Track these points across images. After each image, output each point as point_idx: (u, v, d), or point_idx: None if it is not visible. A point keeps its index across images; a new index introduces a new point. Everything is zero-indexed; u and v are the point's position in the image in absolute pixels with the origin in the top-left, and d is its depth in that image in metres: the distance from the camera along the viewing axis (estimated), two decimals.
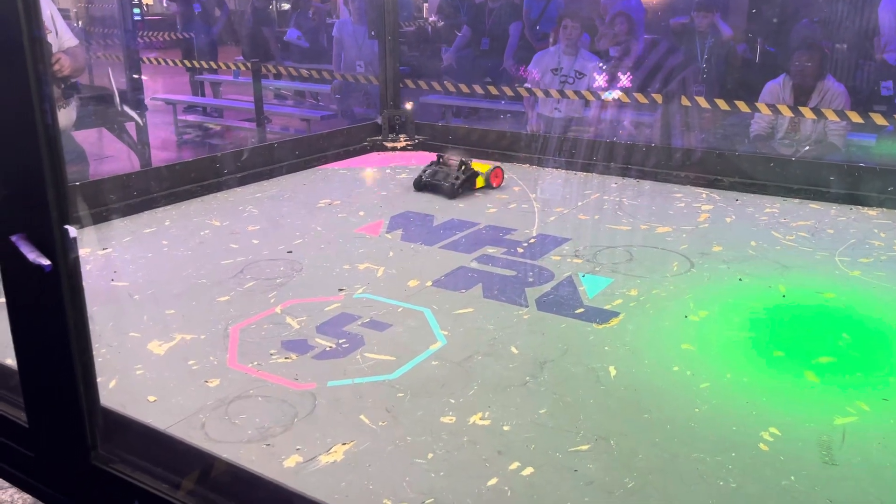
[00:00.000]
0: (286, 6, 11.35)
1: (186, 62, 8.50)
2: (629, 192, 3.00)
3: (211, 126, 8.83)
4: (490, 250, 2.35)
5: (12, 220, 1.06)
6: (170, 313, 1.91)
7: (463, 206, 2.85)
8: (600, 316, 1.86)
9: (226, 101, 9.51)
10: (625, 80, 5.78)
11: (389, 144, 3.84)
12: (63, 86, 3.06)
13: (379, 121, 3.86)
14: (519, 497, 1.21)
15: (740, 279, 2.10)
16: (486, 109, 7.51)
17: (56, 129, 1.03)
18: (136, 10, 9.00)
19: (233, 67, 8.59)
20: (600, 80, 5.87)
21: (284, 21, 10.44)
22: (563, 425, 1.41)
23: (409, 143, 3.85)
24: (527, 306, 1.93)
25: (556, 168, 3.41)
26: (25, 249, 1.05)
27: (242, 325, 1.83)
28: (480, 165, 3.06)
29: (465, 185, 2.94)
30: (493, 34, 7.82)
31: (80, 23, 8.63)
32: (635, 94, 5.00)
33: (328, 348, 1.72)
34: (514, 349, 1.70)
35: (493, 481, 1.25)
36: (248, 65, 8.01)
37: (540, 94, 5.33)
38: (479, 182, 3.01)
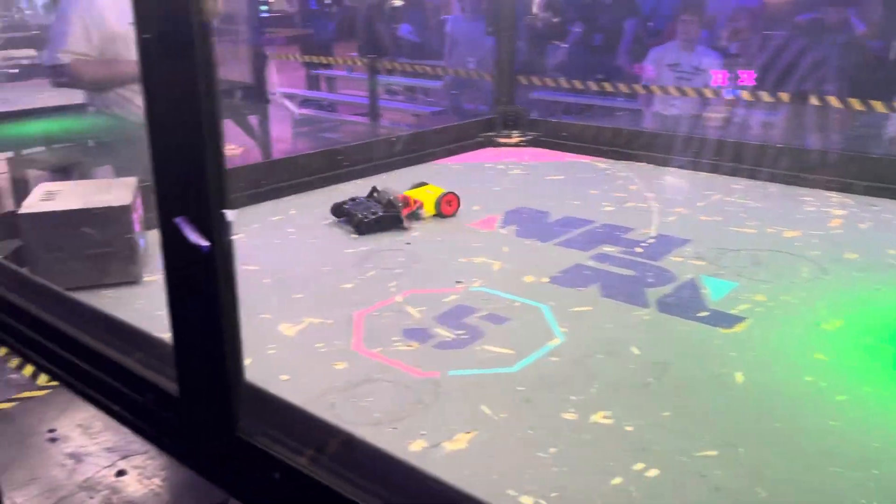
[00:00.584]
0: (399, 2, 11.58)
1: (305, 57, 8.81)
2: (753, 194, 2.89)
3: (326, 120, 9.13)
4: (607, 249, 2.33)
5: (176, 203, 1.14)
6: (297, 297, 1.99)
7: (578, 203, 2.83)
8: (725, 321, 1.81)
9: (342, 96, 9.78)
10: (746, 77, 5.55)
11: (502, 140, 3.85)
12: None
13: (493, 116, 3.88)
14: (644, 498, 1.20)
15: (878, 289, 1.99)
16: (597, 106, 7.40)
17: (218, 116, 1.10)
18: (263, 7, 9.43)
19: (348, 62, 8.84)
20: (719, 76, 5.67)
21: (398, 17, 10.64)
22: (688, 429, 1.38)
23: (522, 139, 3.85)
24: (647, 307, 1.90)
25: (674, 167, 3.32)
26: (187, 231, 1.13)
27: (366, 312, 1.90)
28: (432, 190, 2.70)
29: (380, 224, 2.48)
30: (606, 30, 7.70)
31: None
32: (759, 93, 4.79)
33: (448, 338, 1.75)
34: (634, 349, 1.68)
35: (617, 480, 1.24)
36: (363, 60, 8.23)
37: (657, 91, 5.19)
38: (429, 210, 2.63)
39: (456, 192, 2.69)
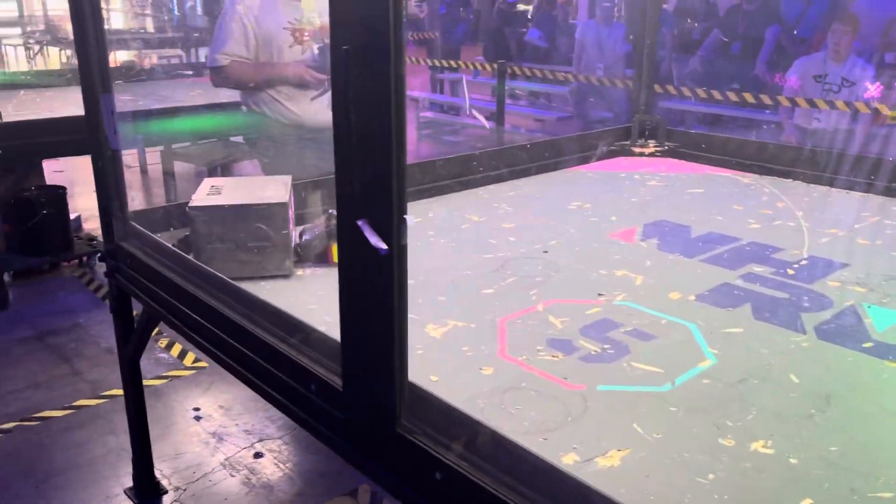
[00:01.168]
0: (525, 7, 11.57)
1: (431, 61, 8.96)
2: None
3: (449, 123, 9.25)
4: (756, 269, 2.23)
5: (359, 206, 1.19)
6: (441, 300, 2.03)
7: (721, 218, 2.73)
8: (893, 353, 1.70)
9: (470, 100, 9.86)
10: None
11: (637, 150, 3.77)
12: None
13: (629, 125, 3.81)
14: None
15: None
16: (729, 118, 7.12)
17: (404, 124, 1.14)
18: None
19: (473, 67, 8.92)
20: (873, 89, 5.32)
21: (524, 21, 10.63)
22: (857, 467, 1.31)
23: (658, 149, 3.76)
24: (804, 333, 1.81)
25: (825, 185, 3.15)
26: (368, 233, 1.17)
27: (508, 319, 1.91)
28: None
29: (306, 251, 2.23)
30: (745, 38, 7.39)
31: None
32: None
33: (594, 352, 1.73)
34: (793, 377, 1.61)
35: None
36: (487, 65, 8.28)
37: (804, 103, 4.94)
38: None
39: None
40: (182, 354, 3.61)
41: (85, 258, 4.80)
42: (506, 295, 2.07)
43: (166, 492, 2.62)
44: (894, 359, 1.67)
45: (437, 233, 2.59)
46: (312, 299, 2.01)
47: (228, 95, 5.16)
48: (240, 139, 5.73)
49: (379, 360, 1.27)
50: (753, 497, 1.23)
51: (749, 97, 5.53)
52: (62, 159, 6.96)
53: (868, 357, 1.69)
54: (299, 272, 2.20)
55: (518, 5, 11.48)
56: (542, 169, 3.42)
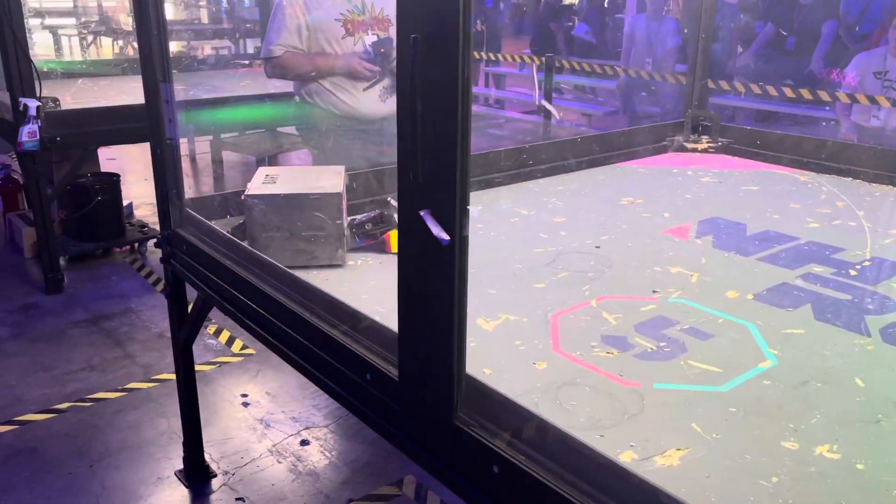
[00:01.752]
0: (572, 1, 11.45)
1: (478, 54, 8.93)
2: None
3: (493, 116, 9.22)
4: (816, 269, 2.17)
5: (421, 196, 1.18)
6: (492, 293, 2.02)
7: (778, 217, 2.67)
8: None
9: (510, 93, 9.83)
10: None
11: (690, 146, 3.71)
12: (394, 77, 3.38)
13: (682, 120, 3.74)
14: None
15: None
16: (783, 115, 6.95)
17: (470, 115, 1.13)
18: None
19: (519, 60, 8.87)
20: None
21: (571, 15, 10.53)
22: None
23: (711, 145, 3.69)
24: (869, 336, 1.75)
25: (886, 184, 3.05)
26: (430, 223, 1.17)
27: (561, 314, 1.89)
28: None
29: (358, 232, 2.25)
30: (800, 33, 7.19)
31: None
32: None
33: (649, 349, 1.71)
34: (858, 381, 1.56)
35: None
36: (534, 58, 8.22)
37: (864, 100, 4.79)
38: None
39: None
40: (230, 341, 3.67)
41: (136, 244, 4.91)
42: (558, 289, 2.05)
43: (215, 475, 2.66)
44: None
45: (486, 226, 2.58)
46: (364, 289, 2.02)
47: (277, 86, 5.23)
48: (288, 130, 5.81)
49: (437, 351, 1.26)
50: (818, 502, 1.20)
51: (806, 93, 5.38)
52: (115, 147, 7.14)
53: None
54: (350, 262, 2.21)
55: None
56: (592, 163, 3.38)
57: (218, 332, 3.74)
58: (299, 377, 3.35)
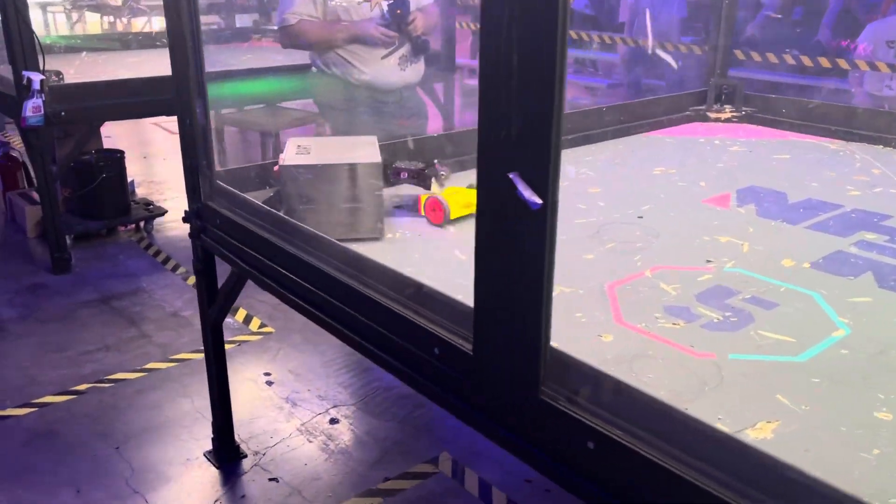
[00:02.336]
0: None
1: (476, 25, 8.78)
2: None
3: None
4: (868, 236, 2.12)
5: (513, 156, 1.11)
6: None
7: (817, 185, 2.61)
8: None
9: None
10: None
11: (713, 115, 3.64)
12: (416, 43, 3.28)
13: (704, 89, 3.67)
14: None
15: None
16: (790, 85, 6.88)
17: (565, 73, 1.05)
18: None
19: None
20: None
21: None
22: None
23: (734, 114, 3.62)
24: None
25: None
26: (521, 186, 1.10)
27: (617, 285, 1.83)
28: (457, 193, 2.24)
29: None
30: (807, 1, 7.12)
31: None
32: None
33: (715, 319, 1.65)
34: None
35: None
36: None
37: (884, 68, 4.73)
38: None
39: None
40: (247, 319, 3.59)
41: (143, 223, 4.80)
42: (608, 260, 1.98)
43: (245, 456, 2.60)
44: None
45: None
46: (407, 262, 1.94)
47: (278, 60, 5.10)
48: (290, 105, 5.68)
49: (521, 322, 1.20)
50: None
51: (825, 62, 5.31)
52: (108, 124, 6.98)
53: None
54: (389, 235, 2.14)
55: None
56: (616, 134, 3.31)
57: (234, 311, 3.66)
58: (322, 355, 3.29)
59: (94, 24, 10.43)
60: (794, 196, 2.49)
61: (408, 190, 2.38)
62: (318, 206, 2.02)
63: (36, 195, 4.55)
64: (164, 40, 5.69)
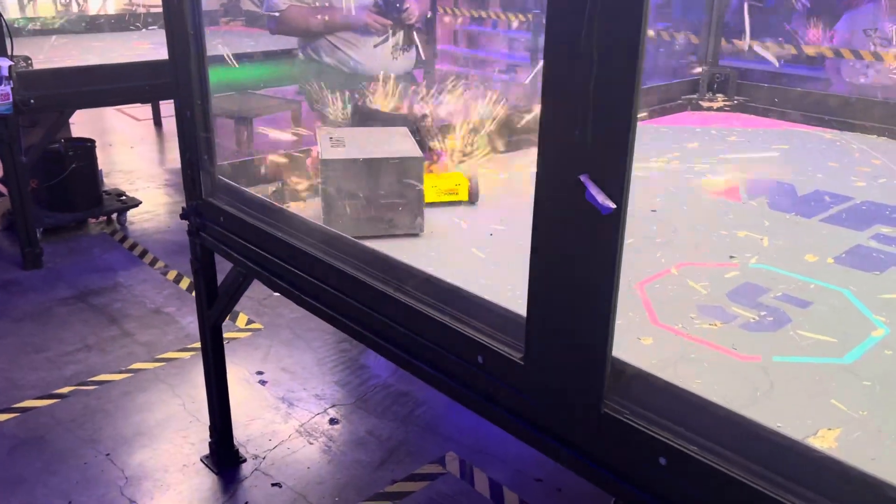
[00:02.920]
0: None
1: (453, 10, 8.67)
2: None
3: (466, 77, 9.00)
4: (884, 230, 2.11)
5: (587, 159, 1.04)
6: None
7: (822, 176, 2.60)
8: None
9: (486, 52, 9.58)
10: None
11: (705, 104, 3.62)
12: (409, 31, 3.18)
13: (697, 77, 3.64)
14: None
15: None
16: (763, 73, 6.92)
17: (642, 69, 0.98)
18: None
19: (494, 17, 8.64)
20: None
21: None
22: None
23: (727, 103, 3.60)
24: None
25: None
26: (593, 189, 1.03)
27: (645, 283, 1.78)
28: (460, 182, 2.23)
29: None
30: None
31: None
32: None
33: (752, 319, 1.61)
34: None
35: None
36: (520, 16, 8.01)
37: (847, 54, 4.76)
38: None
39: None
40: (234, 315, 3.47)
41: (116, 215, 4.62)
42: (630, 257, 1.90)
43: (245, 460, 2.51)
44: None
45: (528, 190, 2.43)
46: (424, 260, 1.87)
47: (251, 45, 4.94)
48: (264, 91, 5.52)
49: (583, 331, 1.13)
50: None
51: (810, 50, 5.33)
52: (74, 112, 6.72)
53: None
54: (428, 230, 2.05)
55: None
56: None
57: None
58: (315, 352, 3.20)
59: (45, 6, 10.02)
60: (802, 188, 2.47)
61: None
62: (357, 201, 1.92)
63: (3, 187, 4.34)
64: (138, 24, 5.47)
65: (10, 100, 3.52)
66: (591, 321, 1.12)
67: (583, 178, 1.04)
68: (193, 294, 2.73)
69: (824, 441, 1.22)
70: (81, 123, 6.75)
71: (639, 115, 2.73)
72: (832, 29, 5.69)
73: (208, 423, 2.51)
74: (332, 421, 2.72)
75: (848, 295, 1.73)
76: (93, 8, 8.89)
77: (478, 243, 1.98)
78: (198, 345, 3.04)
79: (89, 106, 4.68)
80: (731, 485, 1.01)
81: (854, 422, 1.27)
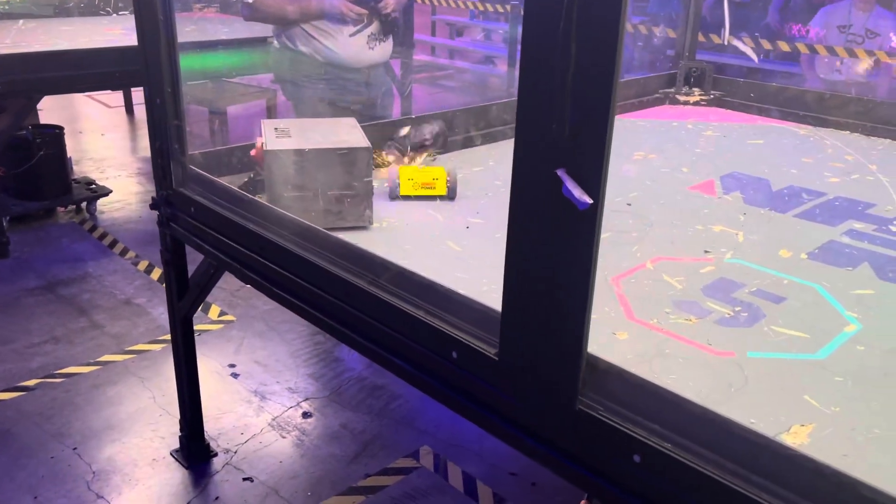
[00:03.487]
0: None
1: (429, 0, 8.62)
2: None
3: (443, 67, 8.97)
4: (857, 225, 2.12)
5: (563, 152, 1.02)
6: None
7: (796, 171, 2.61)
8: None
9: (463, 43, 9.55)
10: None
11: (682, 98, 3.62)
12: (385, 21, 3.14)
13: (674, 72, 3.65)
14: None
15: None
16: (735, 67, 6.98)
17: (620, 63, 0.97)
18: None
19: (472, 7, 8.60)
20: None
21: None
22: None
23: (703, 97, 3.62)
24: None
25: (886, 138, 3.04)
26: (570, 184, 1.01)
27: (621, 277, 1.77)
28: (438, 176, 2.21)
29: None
30: None
31: None
32: None
33: (727, 315, 1.61)
34: None
35: None
36: (497, 7, 7.98)
37: (822, 50, 4.81)
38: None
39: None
40: (206, 307, 3.42)
41: (86, 204, 4.53)
42: (606, 251, 1.91)
43: (216, 454, 2.47)
44: None
45: (505, 183, 2.42)
46: (399, 252, 1.85)
47: (226, 32, 4.86)
48: (238, 80, 5.45)
49: (559, 327, 1.12)
50: None
51: (784, 46, 5.38)
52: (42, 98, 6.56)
53: None
54: (376, 224, 2.03)
55: None
56: None
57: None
58: (289, 344, 3.16)
59: None
60: (777, 183, 2.49)
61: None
62: (303, 193, 1.89)
63: None
64: (109, 9, 5.35)
65: None
66: (566, 316, 1.11)
67: (560, 172, 1.03)
68: (164, 285, 2.69)
69: (797, 437, 1.22)
70: (50, 110, 6.60)
71: (617, 108, 2.68)
72: (807, 25, 5.75)
73: (179, 416, 2.47)
74: (306, 414, 2.70)
75: (821, 291, 1.74)
76: None
77: (454, 237, 1.97)
78: (169, 337, 3.00)
79: (58, 92, 4.58)
80: (705, 482, 1.01)
81: (826, 418, 1.27)
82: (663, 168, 2.63)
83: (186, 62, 4.90)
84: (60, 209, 4.56)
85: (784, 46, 5.51)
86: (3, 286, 3.55)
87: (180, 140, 1.95)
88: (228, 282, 3.56)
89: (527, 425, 1.22)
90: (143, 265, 3.82)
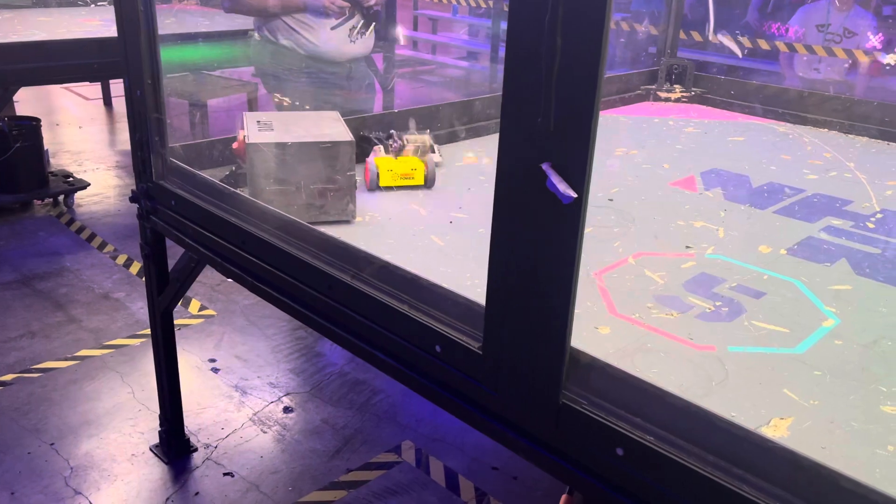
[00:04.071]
0: None
1: None
2: None
3: (424, 62, 8.94)
4: (834, 222, 2.15)
5: (548, 146, 1.02)
6: None
7: (775, 168, 2.64)
8: None
9: (444, 38, 9.54)
10: None
11: (664, 95, 3.64)
12: (367, 14, 3.12)
13: (656, 68, 3.67)
14: None
15: None
16: (719, 66, 7.03)
17: (605, 57, 0.97)
18: None
19: (454, 2, 8.59)
20: (874, 39, 5.28)
21: None
22: None
23: (684, 94, 3.64)
24: None
25: (864, 136, 3.08)
26: (554, 178, 1.01)
27: (603, 273, 1.78)
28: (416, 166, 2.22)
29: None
30: None
31: None
32: None
33: (708, 309, 1.62)
34: None
35: None
36: (471, 2, 7.97)
37: (821, 51, 4.86)
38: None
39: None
40: (186, 302, 3.39)
41: (63, 197, 4.47)
42: (588, 246, 1.92)
43: (196, 449, 2.45)
44: None
45: (488, 178, 2.42)
46: (383, 247, 1.84)
47: (207, 25, 4.81)
48: (221, 73, 5.39)
49: (540, 321, 1.13)
50: None
51: (764, 44, 5.42)
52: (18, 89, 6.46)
53: None
54: (359, 218, 2.02)
55: None
56: None
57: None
58: (270, 339, 3.15)
59: None
60: (757, 180, 2.51)
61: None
62: (286, 186, 1.88)
63: None
64: (87, 0, 5.27)
65: None
66: (550, 311, 1.11)
67: (544, 166, 1.03)
68: (143, 279, 2.66)
69: (777, 430, 1.23)
70: (26, 101, 6.50)
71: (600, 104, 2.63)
72: (786, 24, 5.80)
73: (158, 411, 2.44)
74: (287, 409, 2.68)
75: (800, 286, 1.75)
76: None
77: (437, 231, 1.96)
78: (148, 331, 2.97)
79: (34, 83, 4.51)
80: (687, 474, 1.01)
81: (805, 411, 1.29)
82: (645, 164, 2.64)
83: (166, 55, 4.85)
84: (37, 202, 4.49)
85: (763, 44, 5.56)
86: None
87: (161, 132, 1.93)
88: (209, 276, 3.54)
89: (510, 419, 1.22)
90: (121, 259, 3.78)
